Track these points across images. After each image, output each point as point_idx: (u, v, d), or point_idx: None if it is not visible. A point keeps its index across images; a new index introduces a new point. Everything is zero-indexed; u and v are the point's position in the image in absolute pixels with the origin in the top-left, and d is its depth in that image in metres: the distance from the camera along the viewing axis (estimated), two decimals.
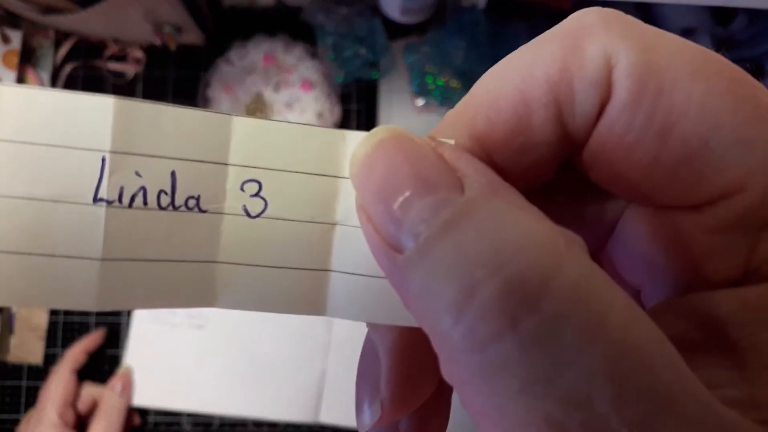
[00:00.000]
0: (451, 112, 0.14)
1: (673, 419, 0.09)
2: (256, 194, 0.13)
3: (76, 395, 0.53)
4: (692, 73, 0.12)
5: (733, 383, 0.11)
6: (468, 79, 0.59)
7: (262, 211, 0.13)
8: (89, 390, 0.54)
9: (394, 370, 0.14)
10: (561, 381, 0.09)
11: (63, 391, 0.51)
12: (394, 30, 0.61)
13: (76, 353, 0.54)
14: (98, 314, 0.57)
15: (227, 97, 0.60)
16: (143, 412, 0.56)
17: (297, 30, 0.61)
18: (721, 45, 0.57)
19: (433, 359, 0.13)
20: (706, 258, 0.13)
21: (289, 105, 0.60)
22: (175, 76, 0.62)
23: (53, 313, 0.58)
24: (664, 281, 0.14)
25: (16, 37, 0.60)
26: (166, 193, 0.13)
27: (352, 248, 0.13)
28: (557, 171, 0.14)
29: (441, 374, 0.12)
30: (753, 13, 0.57)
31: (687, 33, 0.58)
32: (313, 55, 0.61)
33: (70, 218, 0.12)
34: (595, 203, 0.15)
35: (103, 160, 0.12)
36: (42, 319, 0.58)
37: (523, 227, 0.10)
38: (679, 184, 0.12)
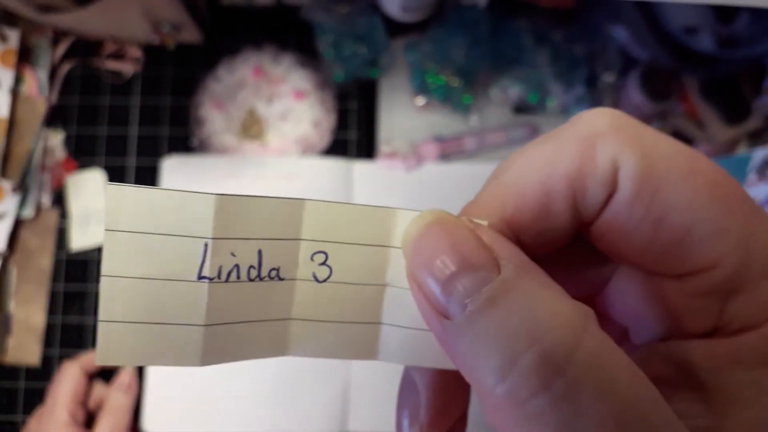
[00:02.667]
0: (482, 194, 0.17)
1: None
2: (323, 263, 0.16)
3: (87, 394, 0.52)
4: (682, 177, 0.15)
5: (702, 415, 0.14)
6: (469, 77, 0.59)
7: (328, 277, 0.16)
8: (100, 389, 0.53)
9: (432, 401, 0.17)
10: (580, 428, 0.12)
11: (73, 390, 0.51)
12: (395, 28, 0.60)
13: (90, 358, 0.53)
14: (95, 315, 0.56)
15: (220, 115, 0.59)
16: None
17: (296, 28, 0.61)
18: (723, 43, 0.57)
19: (461, 392, 0.17)
20: (684, 315, 0.16)
21: (283, 117, 0.59)
22: (173, 75, 0.61)
23: (51, 314, 0.57)
24: (648, 328, 0.17)
25: (13, 36, 0.60)
26: (254, 268, 0.15)
27: (398, 305, 0.16)
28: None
29: (467, 402, 0.17)
30: (756, 11, 0.57)
31: (689, 32, 0.57)
32: (303, 63, 0.60)
33: (178, 293, 0.15)
34: (596, 262, 0.18)
35: (206, 245, 0.14)
36: (40, 321, 0.57)
37: (552, 307, 0.13)
38: (667, 260, 0.15)
